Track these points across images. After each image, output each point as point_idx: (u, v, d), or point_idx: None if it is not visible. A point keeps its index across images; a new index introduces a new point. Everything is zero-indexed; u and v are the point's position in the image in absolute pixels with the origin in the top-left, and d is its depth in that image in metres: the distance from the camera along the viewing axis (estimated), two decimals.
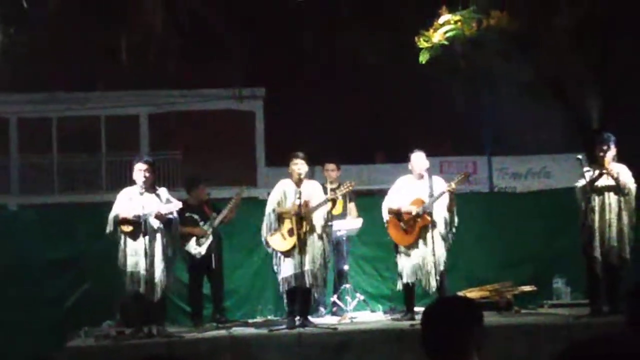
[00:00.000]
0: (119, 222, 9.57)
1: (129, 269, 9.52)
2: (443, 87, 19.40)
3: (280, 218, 9.91)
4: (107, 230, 9.65)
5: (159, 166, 23.76)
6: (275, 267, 10.06)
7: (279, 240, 9.91)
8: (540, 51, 15.18)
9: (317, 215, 9.85)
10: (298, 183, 9.96)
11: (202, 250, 10.62)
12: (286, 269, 9.82)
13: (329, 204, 9.92)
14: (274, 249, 9.97)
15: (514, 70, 16.30)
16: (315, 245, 9.76)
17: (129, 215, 9.51)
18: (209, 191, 11.65)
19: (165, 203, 9.66)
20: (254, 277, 11.62)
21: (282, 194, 10.05)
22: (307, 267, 9.67)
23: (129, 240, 9.59)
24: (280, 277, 9.93)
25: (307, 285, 9.72)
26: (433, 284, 9.92)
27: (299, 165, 9.99)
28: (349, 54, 19.16)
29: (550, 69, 15.43)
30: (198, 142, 25.38)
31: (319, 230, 9.84)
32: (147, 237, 9.49)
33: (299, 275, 9.68)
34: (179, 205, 9.78)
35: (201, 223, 10.55)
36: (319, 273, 9.81)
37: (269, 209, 10.02)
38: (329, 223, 10.10)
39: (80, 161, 25.58)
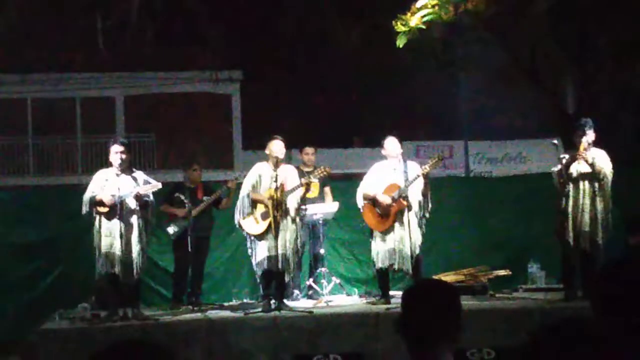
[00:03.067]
0: (95, 202, 9.54)
1: (104, 249, 9.50)
2: (420, 72, 19.41)
3: (253, 201, 9.91)
4: (83, 211, 9.61)
5: (134, 148, 23.76)
6: (249, 251, 10.07)
7: (252, 224, 9.92)
8: (516, 36, 15.22)
9: (291, 199, 9.85)
10: (276, 165, 9.94)
11: (176, 230, 10.61)
12: (260, 252, 9.84)
13: (303, 188, 9.91)
14: (247, 233, 9.98)
15: (490, 55, 16.35)
16: (288, 228, 9.76)
17: (106, 196, 9.48)
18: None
19: (142, 184, 9.66)
20: (229, 261, 11.62)
21: (257, 177, 10.03)
22: (280, 250, 9.67)
23: (104, 221, 9.56)
24: (254, 261, 9.95)
25: (280, 269, 9.73)
26: (408, 267, 9.94)
27: (278, 147, 9.97)
28: (327, 38, 19.14)
29: (527, 54, 15.48)
30: (174, 124, 25.28)
31: (292, 213, 9.85)
32: (123, 218, 9.51)
33: (273, 259, 9.70)
34: (158, 185, 9.78)
35: (187, 205, 10.50)
36: (291, 257, 9.83)
37: (243, 192, 10.01)
38: (303, 207, 10.11)
39: (55, 143, 25.41)
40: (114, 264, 9.49)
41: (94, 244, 9.57)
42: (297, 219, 9.90)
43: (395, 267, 10.03)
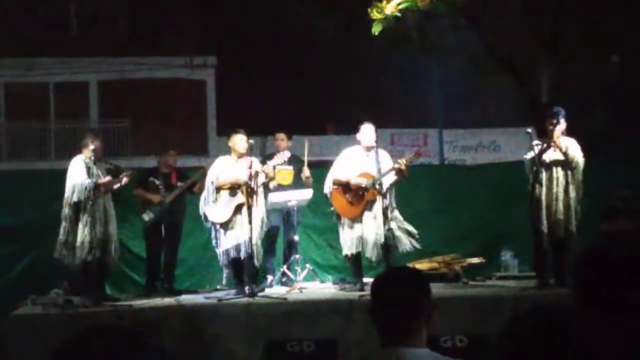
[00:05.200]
0: (97, 187, 9.73)
1: (100, 235, 9.73)
2: (395, 60, 19.41)
3: (218, 190, 9.96)
4: (81, 197, 9.67)
5: (108, 134, 23.60)
6: (214, 241, 10.10)
7: (216, 212, 9.95)
8: (491, 25, 15.25)
9: (256, 186, 9.92)
10: (239, 158, 10.04)
11: (151, 216, 10.63)
12: (227, 241, 9.88)
13: (264, 175, 9.98)
14: (212, 222, 10.01)
15: (465, 43, 16.36)
16: (254, 216, 9.78)
17: (104, 182, 9.79)
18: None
19: (116, 172, 10.09)
20: (203, 247, 11.59)
21: (221, 168, 10.09)
22: (247, 237, 9.69)
23: (98, 207, 9.81)
24: (219, 250, 9.98)
25: (248, 255, 9.77)
26: (376, 256, 9.98)
27: (240, 141, 10.05)
28: (302, 24, 19.09)
29: (501, 43, 15.50)
30: (149, 110, 25.17)
31: (258, 201, 9.88)
32: (106, 204, 9.94)
33: (240, 246, 9.75)
34: (134, 173, 10.19)
35: (161, 190, 10.53)
36: (258, 242, 9.88)
37: (207, 181, 10.06)
38: (268, 193, 10.26)
39: (29, 128, 25.24)
40: (109, 250, 9.89)
41: (82, 231, 9.66)
42: (263, 206, 10.00)
43: (367, 255, 10.07)
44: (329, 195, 10.28)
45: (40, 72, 25.00)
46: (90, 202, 9.70)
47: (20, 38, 23.49)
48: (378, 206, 9.94)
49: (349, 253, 10.16)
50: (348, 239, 10.14)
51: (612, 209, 10.33)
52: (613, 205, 10.37)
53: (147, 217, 10.68)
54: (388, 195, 10.05)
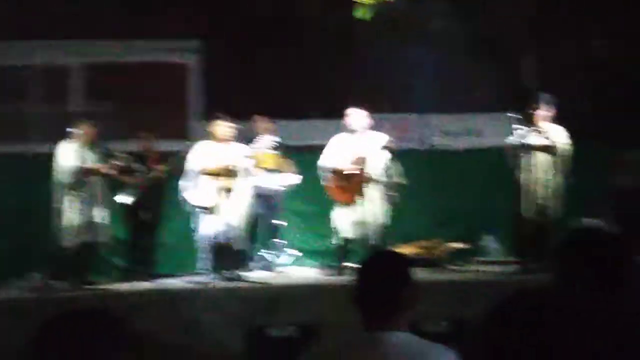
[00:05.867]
0: (85, 172, 9.76)
1: (87, 219, 9.77)
2: (380, 44, 19.36)
3: (201, 174, 9.91)
4: (69, 180, 9.64)
5: (91, 118, 23.42)
6: (194, 225, 10.07)
7: (199, 196, 9.90)
8: (476, 8, 15.23)
9: (240, 171, 9.89)
10: (220, 143, 10.00)
11: (128, 200, 10.55)
12: (207, 225, 9.83)
13: (251, 161, 9.97)
14: (193, 206, 9.97)
15: (450, 27, 16.34)
16: (238, 200, 9.75)
17: (93, 164, 9.85)
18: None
19: (106, 157, 10.20)
20: (183, 231, 11.51)
21: (204, 154, 10.04)
22: (229, 221, 9.67)
23: (83, 192, 9.85)
24: (200, 234, 9.94)
25: (229, 240, 9.73)
26: (373, 238, 10.00)
27: (221, 127, 10.01)
28: (287, 7, 19.02)
29: (487, 27, 15.48)
30: (132, 94, 25.03)
31: (241, 185, 9.85)
32: (97, 188, 9.99)
33: (222, 231, 9.72)
34: (129, 157, 10.44)
35: (137, 174, 10.48)
36: (240, 227, 9.84)
37: (189, 166, 10.00)
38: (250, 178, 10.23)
39: (10, 111, 25.07)
40: (95, 232, 9.89)
41: (69, 214, 9.62)
42: (247, 190, 9.97)
43: (371, 240, 10.08)
44: (324, 183, 10.29)
45: (22, 55, 24.81)
46: (77, 186, 9.65)
47: (2, 20, 23.27)
48: (373, 188, 9.95)
49: (344, 237, 10.15)
50: (343, 224, 10.13)
51: None
52: None
53: (123, 199, 10.57)
54: (386, 176, 10.06)
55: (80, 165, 9.76)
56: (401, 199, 10.44)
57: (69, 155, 9.81)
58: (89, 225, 9.76)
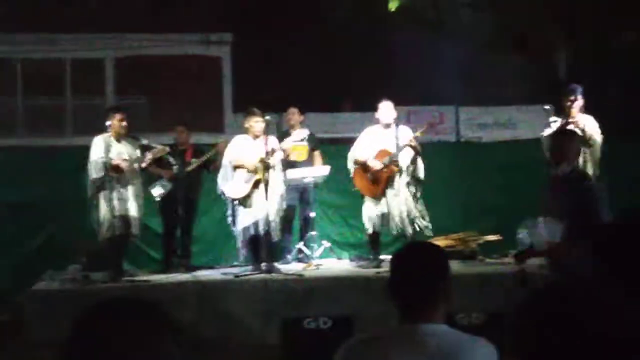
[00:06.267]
0: (111, 167, 9.70)
1: (118, 212, 9.73)
2: (411, 37, 19.34)
3: (236, 167, 9.99)
4: (94, 176, 9.69)
5: (124, 110, 23.56)
6: (230, 219, 10.13)
7: (234, 188, 9.97)
8: (507, 2, 15.18)
9: (276, 164, 9.95)
10: (255, 139, 10.05)
11: (161, 192, 10.58)
12: (245, 218, 9.90)
13: (282, 153, 10.02)
14: (230, 199, 10.04)
15: (481, 20, 16.30)
16: (272, 192, 9.81)
17: (122, 162, 9.68)
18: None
19: (142, 150, 10.06)
20: (220, 223, 11.59)
21: (238, 148, 10.11)
22: (265, 213, 9.72)
23: (117, 185, 9.78)
24: (239, 228, 10.00)
25: (266, 232, 9.79)
26: (404, 230, 10.03)
27: (258, 123, 10.05)
28: (319, 1, 19.04)
29: (518, 21, 15.43)
30: (164, 87, 25.12)
31: (276, 177, 9.92)
32: (134, 182, 9.90)
33: (258, 223, 9.78)
34: (166, 149, 10.24)
35: (175, 167, 10.52)
36: (278, 219, 9.91)
37: (225, 160, 10.08)
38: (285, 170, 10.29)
39: (45, 104, 25.26)
40: (130, 226, 9.82)
41: (103, 208, 9.67)
42: (282, 183, 10.03)
43: (394, 232, 10.13)
44: (352, 176, 10.33)
45: (57, 48, 25.00)
46: (107, 180, 9.72)
47: (36, 14, 23.47)
48: (399, 182, 9.98)
49: (373, 230, 10.22)
50: (371, 217, 10.18)
51: None
52: None
53: (156, 192, 10.61)
54: (412, 171, 10.09)
55: (107, 159, 9.73)
56: (427, 192, 10.44)
57: (98, 148, 9.83)
58: (122, 218, 9.77)
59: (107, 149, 9.81)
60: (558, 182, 6.57)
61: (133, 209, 9.83)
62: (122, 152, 9.85)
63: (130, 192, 9.83)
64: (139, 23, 24.29)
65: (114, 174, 9.75)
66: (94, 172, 9.71)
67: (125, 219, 9.78)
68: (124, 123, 9.97)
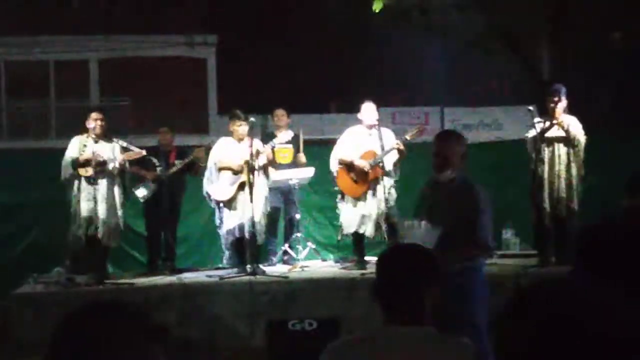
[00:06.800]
0: (79, 164, 9.62)
1: (86, 213, 9.64)
2: (397, 38, 19.36)
3: (220, 169, 9.99)
4: (65, 175, 9.67)
5: (109, 112, 23.49)
6: (217, 221, 10.13)
7: (219, 190, 9.97)
8: (493, 2, 15.19)
9: (258, 166, 9.96)
10: (239, 142, 10.06)
11: (145, 193, 10.55)
12: (230, 220, 9.89)
13: (265, 157, 10.05)
14: (215, 201, 10.04)
15: (467, 21, 16.31)
16: (256, 194, 9.80)
17: (91, 154, 9.61)
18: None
19: (119, 151, 9.90)
20: (205, 225, 11.58)
21: (223, 150, 10.10)
22: (249, 216, 9.70)
23: (86, 186, 9.69)
24: (223, 230, 10.00)
25: (251, 234, 9.78)
26: (375, 233, 10.01)
27: (242, 127, 10.06)
28: (304, 1, 19.04)
29: (504, 20, 15.45)
30: (149, 88, 25.09)
31: (260, 180, 9.91)
32: (105, 183, 9.70)
33: (243, 225, 9.76)
34: (142, 153, 10.09)
35: (159, 168, 10.50)
36: (263, 221, 9.90)
37: (210, 162, 10.10)
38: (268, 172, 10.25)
39: (29, 106, 25.18)
40: (97, 228, 9.64)
41: (72, 209, 9.66)
42: (266, 185, 10.03)
43: (367, 233, 10.09)
44: (335, 175, 10.30)
45: (41, 50, 24.92)
46: (76, 180, 9.67)
47: (20, 16, 23.39)
48: (382, 184, 9.97)
49: (349, 232, 10.20)
50: (349, 218, 10.16)
51: (636, 184, 10.31)
52: (638, 181, 10.35)
53: (140, 193, 10.58)
54: (393, 174, 10.11)
55: (74, 158, 9.66)
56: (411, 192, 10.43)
57: (72, 149, 9.77)
58: (89, 219, 9.69)
59: (82, 149, 9.74)
60: (441, 188, 6.15)
61: (102, 211, 9.67)
62: (99, 153, 9.74)
63: (100, 193, 9.68)
64: (124, 25, 24.26)
65: (83, 173, 9.68)
66: (62, 171, 9.71)
67: (92, 220, 9.67)
68: (100, 123, 9.85)
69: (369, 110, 10.26)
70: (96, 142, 9.81)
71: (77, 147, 9.75)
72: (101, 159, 9.67)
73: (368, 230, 10.05)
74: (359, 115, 10.33)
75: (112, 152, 9.84)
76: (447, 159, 6.05)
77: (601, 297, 1.60)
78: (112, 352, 1.77)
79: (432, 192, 6.31)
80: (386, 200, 9.96)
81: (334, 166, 10.30)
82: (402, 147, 9.99)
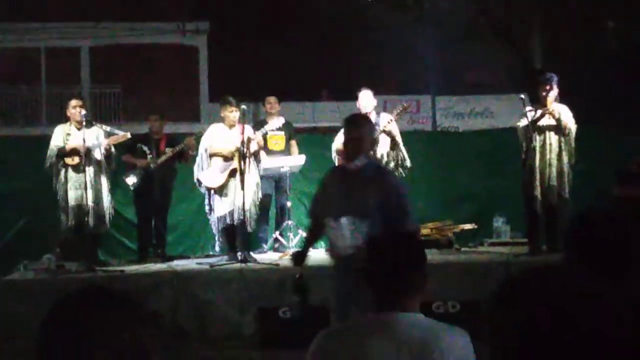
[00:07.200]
0: (64, 154, 9.58)
1: (74, 202, 9.68)
2: (389, 26, 19.33)
3: (211, 157, 9.98)
4: (48, 164, 9.69)
5: (100, 100, 23.50)
6: (207, 208, 10.12)
7: (210, 177, 9.96)
8: None
9: (249, 154, 9.94)
10: (230, 128, 10.04)
11: (135, 181, 10.52)
12: (220, 207, 9.88)
13: (256, 144, 10.01)
14: (206, 188, 10.02)
15: (459, 9, 16.31)
16: (247, 182, 9.79)
17: (77, 144, 9.58)
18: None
19: (104, 137, 9.95)
20: (195, 213, 11.57)
21: (213, 136, 10.09)
22: (240, 203, 9.69)
23: (72, 174, 9.67)
24: (215, 216, 9.98)
25: (241, 221, 9.76)
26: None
27: (233, 113, 10.03)
28: None
29: (497, 9, 15.45)
30: (140, 76, 25.03)
31: (251, 167, 9.90)
32: (92, 170, 9.69)
33: (236, 212, 9.75)
34: (127, 135, 10.12)
35: (149, 156, 10.49)
36: (253, 208, 9.89)
37: (201, 148, 10.09)
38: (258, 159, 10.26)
39: (20, 93, 25.11)
40: (86, 215, 9.65)
41: (59, 197, 9.66)
42: (256, 171, 10.02)
43: None
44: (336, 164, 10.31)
45: (32, 37, 24.83)
46: (62, 168, 9.67)
47: (11, 3, 23.30)
48: None
49: None
50: None
51: (627, 173, 10.34)
52: (627, 169, 10.39)
53: (130, 181, 10.56)
54: (394, 158, 10.10)
55: (57, 146, 9.69)
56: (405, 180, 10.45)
57: (56, 137, 9.79)
58: (77, 207, 9.69)
59: (66, 138, 9.74)
60: (354, 177, 5.65)
61: (90, 198, 9.67)
62: (84, 139, 9.66)
63: (87, 180, 9.66)
64: (115, 12, 24.17)
65: (70, 162, 9.68)
66: (46, 160, 9.71)
67: (80, 208, 9.69)
68: (79, 110, 9.83)
69: (365, 98, 10.26)
70: (79, 129, 9.80)
71: (62, 136, 9.78)
72: (85, 149, 9.63)
73: None
74: (357, 103, 10.33)
75: (96, 138, 9.85)
76: (361, 145, 5.68)
77: (592, 288, 1.60)
78: (103, 339, 1.76)
79: (339, 183, 5.78)
80: None
81: (334, 157, 10.32)
82: (387, 128, 9.99)
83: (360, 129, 5.76)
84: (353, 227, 5.45)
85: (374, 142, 5.73)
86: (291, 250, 10.59)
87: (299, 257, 6.28)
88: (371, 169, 5.71)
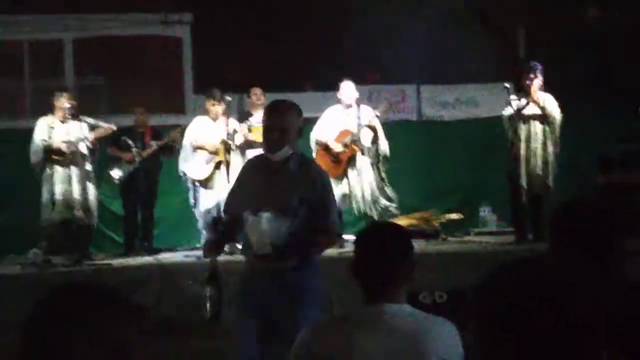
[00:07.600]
0: (51, 151, 9.55)
1: (61, 196, 9.64)
2: (372, 15, 19.30)
3: (195, 150, 9.98)
4: (33, 160, 9.64)
5: (84, 92, 23.36)
6: (192, 201, 10.10)
7: (195, 169, 9.96)
8: None
9: (234, 146, 9.95)
10: (215, 121, 10.04)
11: (120, 174, 10.50)
12: (206, 200, 9.88)
13: (242, 136, 10.04)
14: (192, 181, 10.01)
15: None
16: (233, 174, 9.79)
17: (62, 145, 9.56)
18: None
19: (90, 129, 9.93)
20: (182, 205, 11.54)
21: (198, 129, 10.08)
22: (226, 195, 9.69)
23: (58, 168, 9.62)
24: (200, 209, 9.97)
25: None
26: (368, 211, 10.02)
27: (215, 107, 10.04)
28: None
29: None
30: (124, 67, 24.91)
31: (238, 159, 9.90)
32: (77, 163, 9.72)
33: (219, 205, 9.75)
34: (112, 127, 10.16)
35: (134, 149, 10.47)
36: None
37: (185, 141, 10.08)
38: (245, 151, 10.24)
39: (3, 87, 24.97)
40: (73, 209, 9.69)
41: (45, 191, 9.62)
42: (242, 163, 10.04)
43: (356, 212, 10.13)
44: (314, 156, 10.29)
45: (15, 29, 24.68)
46: (48, 163, 9.63)
47: None
48: (361, 162, 9.97)
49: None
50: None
51: (609, 161, 10.39)
52: (610, 158, 10.43)
53: (115, 174, 10.54)
54: (375, 151, 10.10)
55: (48, 142, 9.67)
56: (389, 171, 10.45)
57: (39, 131, 9.77)
58: (64, 202, 9.67)
59: (50, 131, 9.68)
60: (276, 170, 5.13)
61: (77, 192, 9.70)
62: (67, 134, 9.75)
63: (74, 174, 9.69)
64: (98, 3, 24.03)
65: (56, 157, 9.68)
66: (33, 156, 9.66)
67: (67, 201, 9.69)
68: (66, 103, 9.81)
69: (346, 90, 10.25)
70: (63, 122, 9.78)
71: (45, 129, 9.72)
72: (69, 145, 9.65)
73: (356, 205, 10.08)
74: (338, 94, 10.31)
75: (80, 131, 9.83)
76: (285, 134, 5.04)
77: (578, 276, 1.60)
78: (86, 333, 1.77)
79: (259, 175, 5.24)
80: (370, 181, 9.99)
81: (313, 147, 10.30)
82: (372, 123, 10.00)
83: (286, 117, 5.09)
84: (274, 223, 4.93)
85: (301, 132, 5.19)
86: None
87: (214, 246, 5.73)
88: (296, 162, 5.13)
